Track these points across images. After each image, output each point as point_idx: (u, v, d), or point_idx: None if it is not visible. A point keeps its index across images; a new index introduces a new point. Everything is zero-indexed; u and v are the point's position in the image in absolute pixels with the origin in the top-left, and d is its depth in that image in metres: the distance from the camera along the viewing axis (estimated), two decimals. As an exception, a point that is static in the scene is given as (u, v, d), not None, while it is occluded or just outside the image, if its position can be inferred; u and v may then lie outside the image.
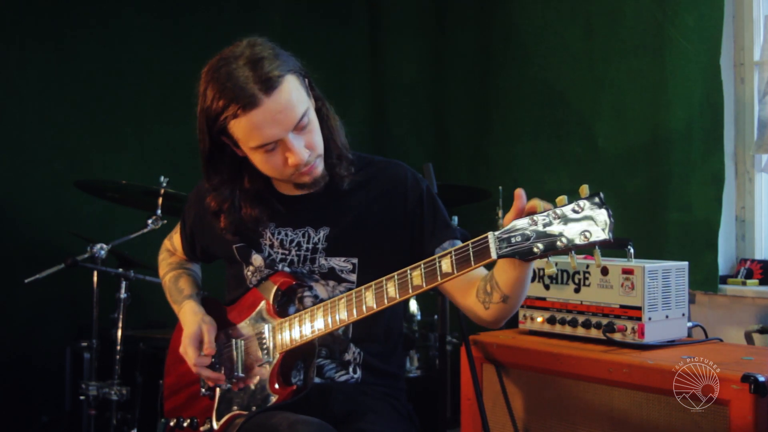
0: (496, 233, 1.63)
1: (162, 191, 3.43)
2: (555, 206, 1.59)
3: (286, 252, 2.04)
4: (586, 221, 1.56)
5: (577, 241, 1.56)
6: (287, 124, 1.87)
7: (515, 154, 4.18)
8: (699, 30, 3.35)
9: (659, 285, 2.32)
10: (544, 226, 1.59)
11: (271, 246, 2.06)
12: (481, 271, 1.91)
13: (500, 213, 3.72)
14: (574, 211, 1.57)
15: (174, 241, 2.34)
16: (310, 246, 2.03)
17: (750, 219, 3.38)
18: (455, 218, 3.74)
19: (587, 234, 1.56)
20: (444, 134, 4.65)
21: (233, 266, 2.13)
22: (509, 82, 4.22)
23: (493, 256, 1.64)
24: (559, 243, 1.57)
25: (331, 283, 2.02)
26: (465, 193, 3.95)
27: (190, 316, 2.12)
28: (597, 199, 1.56)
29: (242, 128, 1.87)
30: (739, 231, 3.41)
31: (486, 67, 4.35)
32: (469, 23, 4.46)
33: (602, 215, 1.55)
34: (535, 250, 1.59)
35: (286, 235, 2.05)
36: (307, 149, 1.92)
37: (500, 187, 3.73)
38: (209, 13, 4.39)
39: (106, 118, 4.12)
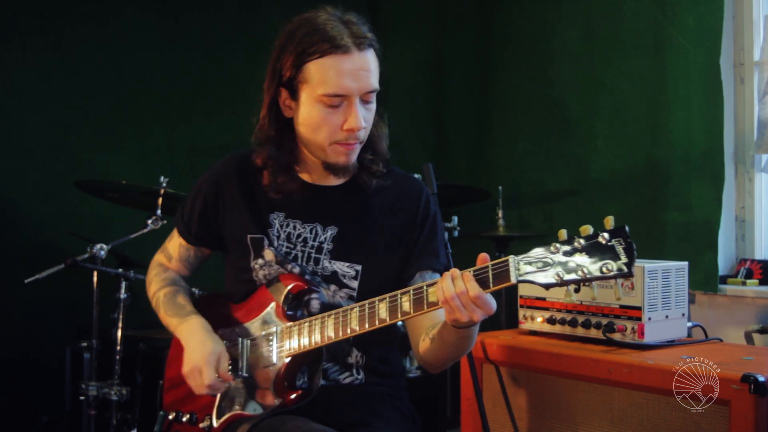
0: (518, 258, 1.62)
1: (162, 191, 3.42)
2: (579, 235, 1.58)
3: (291, 246, 2.03)
4: (608, 253, 1.54)
5: (598, 273, 1.55)
6: (363, 85, 1.89)
7: (515, 154, 4.18)
8: (699, 30, 3.35)
9: (659, 285, 2.32)
10: (566, 255, 1.58)
11: (278, 237, 2.04)
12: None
13: (500, 213, 3.72)
14: (598, 243, 1.55)
15: (169, 247, 2.24)
16: (315, 244, 2.02)
17: (750, 219, 3.38)
18: (455, 218, 3.76)
19: (609, 267, 1.54)
20: (444, 134, 4.64)
21: (239, 257, 2.07)
22: (509, 82, 4.22)
23: (513, 280, 1.62)
24: (579, 274, 1.56)
25: (332, 287, 2.01)
26: (465, 193, 3.95)
27: (204, 333, 2.02)
28: (622, 232, 1.54)
29: (323, 69, 1.87)
30: (739, 231, 3.41)
31: (486, 67, 4.35)
32: (469, 23, 4.46)
33: (626, 249, 1.54)
34: (555, 279, 1.59)
35: (294, 228, 2.04)
36: (365, 122, 1.93)
37: (500, 187, 3.73)
38: (209, 12, 4.37)
39: (106, 118, 4.11)
